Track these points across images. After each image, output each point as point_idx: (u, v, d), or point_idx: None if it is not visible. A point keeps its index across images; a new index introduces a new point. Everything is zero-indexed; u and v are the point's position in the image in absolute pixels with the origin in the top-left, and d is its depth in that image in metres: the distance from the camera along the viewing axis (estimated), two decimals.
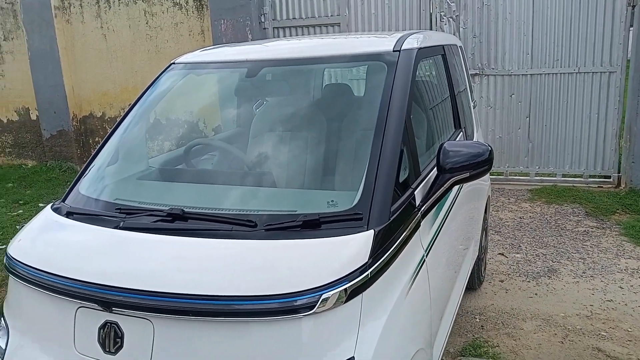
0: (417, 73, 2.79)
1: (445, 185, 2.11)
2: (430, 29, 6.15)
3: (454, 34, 6.04)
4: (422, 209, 2.07)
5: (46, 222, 2.06)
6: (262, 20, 6.83)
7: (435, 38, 2.95)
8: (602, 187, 5.78)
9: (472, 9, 5.95)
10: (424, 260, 2.03)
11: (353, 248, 1.65)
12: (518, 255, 4.27)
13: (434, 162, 2.38)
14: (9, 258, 1.90)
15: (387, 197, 1.82)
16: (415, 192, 2.04)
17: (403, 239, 1.86)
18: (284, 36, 6.96)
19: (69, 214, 2.03)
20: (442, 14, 6.08)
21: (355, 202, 1.80)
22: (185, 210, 1.85)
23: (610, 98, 5.62)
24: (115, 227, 1.86)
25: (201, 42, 7.01)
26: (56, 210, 2.10)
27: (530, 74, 5.88)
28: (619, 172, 5.73)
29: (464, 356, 2.94)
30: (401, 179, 1.97)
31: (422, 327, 1.98)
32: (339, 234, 1.69)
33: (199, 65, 2.74)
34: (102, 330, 1.64)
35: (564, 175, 5.99)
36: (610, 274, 3.86)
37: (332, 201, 1.88)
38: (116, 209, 1.96)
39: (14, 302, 1.94)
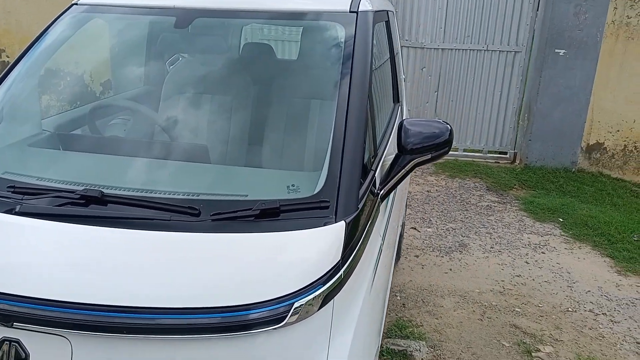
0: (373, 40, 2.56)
1: (407, 167, 1.93)
2: None
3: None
4: (381, 192, 1.87)
5: None
6: None
7: (380, 2, 2.72)
8: (498, 162, 6.07)
9: None
10: (381, 249, 1.85)
11: (324, 244, 1.41)
12: (429, 229, 4.32)
13: (385, 141, 2.20)
14: None
15: (355, 181, 1.59)
16: (375, 175, 1.83)
17: (368, 229, 1.66)
18: None
19: None
20: None
21: (320, 187, 1.55)
22: (105, 191, 1.47)
23: (514, 77, 5.86)
24: (7, 212, 1.43)
25: None
26: None
27: (442, 49, 5.92)
28: (514, 149, 6.05)
29: (390, 337, 2.87)
30: (365, 159, 1.75)
31: (380, 321, 1.82)
32: (303, 226, 1.44)
33: (108, 9, 2.26)
34: None
35: (465, 150, 6.21)
36: (515, 249, 4.04)
37: (293, 185, 1.60)
38: (8, 186, 1.52)
39: None
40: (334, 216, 1.47)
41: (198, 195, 1.54)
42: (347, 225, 1.46)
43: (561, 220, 4.56)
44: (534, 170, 5.66)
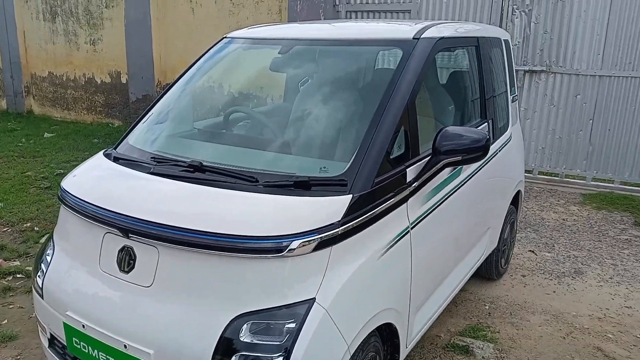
0: (442, 61, 2.95)
1: (437, 166, 2.30)
2: (501, 22, 6.11)
3: (524, 28, 5.98)
4: (414, 185, 2.27)
5: (96, 164, 2.47)
6: (337, 2, 7.06)
7: (467, 29, 3.07)
8: None
9: (546, 4, 5.83)
10: (408, 232, 2.24)
11: (330, 207, 1.91)
12: (548, 254, 4.28)
13: None
14: (61, 190, 2.33)
15: (373, 169, 2.05)
16: (407, 169, 2.24)
17: (384, 207, 2.09)
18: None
19: (115, 159, 2.44)
20: (514, 7, 6.01)
21: (344, 170, 2.05)
22: (204, 163, 2.18)
23: None
24: (147, 172, 2.23)
25: (277, 21, 7.39)
26: (107, 155, 2.51)
27: (599, 75, 5.70)
28: None
29: (461, 335, 3.09)
30: (394, 155, 2.18)
31: (397, 290, 2.20)
32: (323, 195, 1.96)
33: (247, 41, 3.06)
34: (120, 253, 2.02)
35: (622, 183, 5.79)
36: (638, 282, 3.80)
37: (324, 168, 2.14)
38: (151, 157, 2.34)
39: (61, 226, 2.38)
40: (348, 191, 1.96)
41: (263, 171, 2.16)
42: (355, 197, 1.93)
43: None
44: None
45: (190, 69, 3.03)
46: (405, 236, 2.22)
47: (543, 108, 6.04)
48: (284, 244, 1.78)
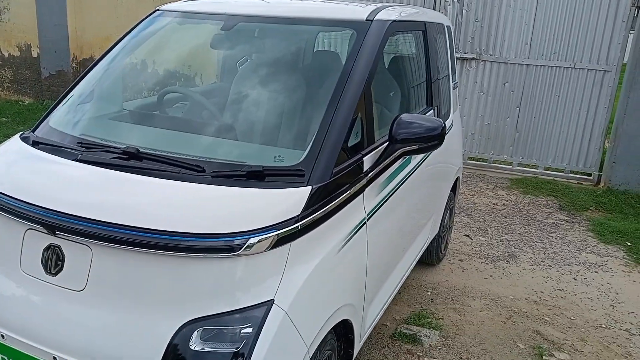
0: (391, 46, 2.85)
1: (393, 155, 2.21)
2: (434, 9, 6.14)
3: (456, 16, 6.04)
4: (370, 175, 2.16)
5: (12, 149, 2.16)
6: None
7: (417, 14, 2.99)
8: (581, 183, 5.86)
9: None
10: (364, 223, 2.14)
11: (288, 200, 1.75)
12: (483, 238, 4.39)
13: None
14: None
15: (331, 158, 1.91)
16: (364, 158, 2.13)
17: (342, 199, 1.96)
18: None
19: (34, 144, 2.13)
20: None
21: (301, 159, 1.90)
22: (141, 150, 1.95)
23: (602, 97, 5.66)
24: (74, 160, 1.96)
25: None
26: (24, 139, 2.20)
27: (527, 64, 5.90)
28: (600, 171, 5.81)
29: (407, 324, 3.08)
30: (351, 144, 2.06)
31: (354, 285, 2.09)
32: (279, 187, 1.80)
33: (182, 14, 2.80)
34: (45, 253, 1.76)
35: (546, 168, 6.07)
36: (567, 265, 3.98)
37: (279, 156, 1.98)
38: (78, 142, 2.06)
39: None
40: (306, 182, 1.82)
41: (209, 159, 1.96)
42: (314, 189, 1.79)
43: (628, 244, 4.37)
44: (616, 194, 5.41)
45: (119, 44, 2.73)
46: (362, 228, 2.12)
47: (473, 95, 6.18)
48: (238, 241, 1.61)
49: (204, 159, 1.94)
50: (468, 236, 4.42)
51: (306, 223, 1.76)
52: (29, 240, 1.80)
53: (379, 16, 2.41)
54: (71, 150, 2.02)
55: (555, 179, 5.95)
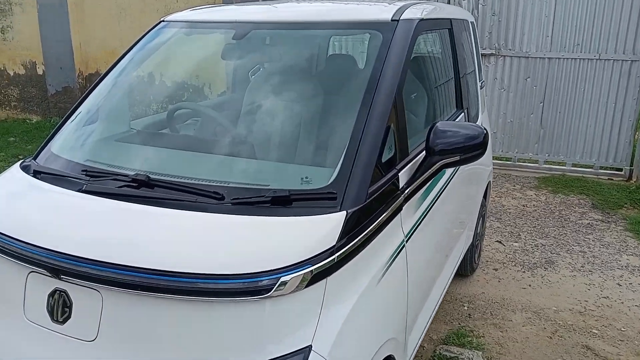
0: (417, 46, 2.62)
1: (433, 168, 1.99)
2: (449, 4, 5.90)
3: (472, 10, 5.80)
4: (406, 191, 1.94)
5: (10, 181, 1.97)
6: None
7: (442, 11, 2.77)
8: (612, 179, 5.58)
9: None
10: (404, 246, 1.92)
11: (321, 229, 1.54)
12: (516, 244, 4.14)
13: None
14: None
15: (366, 177, 1.69)
16: (399, 174, 1.91)
17: (380, 222, 1.74)
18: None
19: (36, 173, 1.94)
20: None
21: (331, 180, 1.68)
22: (151, 176, 1.74)
23: (630, 88, 5.38)
24: (77, 191, 1.76)
25: (211, 3, 6.81)
26: (24, 168, 2.01)
27: (548, 58, 5.64)
28: (631, 166, 5.52)
29: (446, 344, 2.85)
30: (384, 159, 1.84)
31: (395, 316, 1.87)
32: (309, 214, 1.58)
33: (188, 25, 2.61)
34: (51, 298, 1.56)
35: (574, 165, 5.80)
36: (609, 269, 3.72)
37: (306, 178, 1.76)
38: (82, 170, 1.87)
39: None
40: (339, 207, 1.60)
41: (228, 183, 1.76)
42: (349, 214, 1.57)
43: None
44: None
45: (123, 59, 2.53)
46: (402, 252, 1.90)
47: (494, 92, 5.93)
48: (268, 281, 1.39)
49: (221, 184, 1.73)
50: (500, 242, 4.17)
51: (343, 254, 1.54)
52: (32, 284, 1.60)
53: (405, 15, 2.19)
54: (75, 180, 1.82)
55: (585, 175, 5.67)
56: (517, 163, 5.99)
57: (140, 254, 1.47)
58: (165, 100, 2.72)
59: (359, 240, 1.61)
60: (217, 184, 1.73)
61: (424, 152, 1.99)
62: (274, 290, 1.39)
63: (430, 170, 1.98)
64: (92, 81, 7.60)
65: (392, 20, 2.15)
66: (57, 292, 1.55)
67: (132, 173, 1.78)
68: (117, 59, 2.51)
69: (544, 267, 3.76)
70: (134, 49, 2.56)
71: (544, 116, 5.79)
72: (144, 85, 2.69)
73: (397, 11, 2.21)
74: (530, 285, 3.52)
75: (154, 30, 2.63)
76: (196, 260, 1.44)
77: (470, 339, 2.91)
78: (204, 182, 1.75)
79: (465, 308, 3.25)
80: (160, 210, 1.63)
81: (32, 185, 1.89)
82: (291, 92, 2.21)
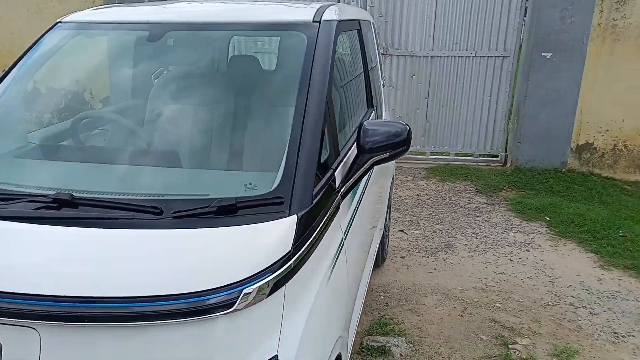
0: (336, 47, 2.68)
1: (365, 166, 2.05)
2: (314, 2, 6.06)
3: None
4: (342, 190, 1.99)
5: None
6: None
7: (351, 12, 2.86)
8: (490, 165, 6.16)
9: None
10: (343, 244, 1.97)
11: (275, 236, 1.52)
12: (417, 231, 4.42)
13: (351, 141, 2.31)
14: None
15: (310, 179, 1.71)
16: (335, 173, 1.95)
17: (324, 223, 1.77)
18: None
19: None
20: None
21: (276, 184, 1.67)
22: (75, 194, 1.60)
23: (503, 82, 5.97)
24: None
25: (90, 4, 6.32)
26: None
27: (431, 56, 6.05)
28: (505, 152, 6.14)
29: (370, 335, 2.96)
30: (322, 159, 1.87)
31: (341, 314, 1.92)
32: (258, 221, 1.55)
33: (91, 26, 2.42)
34: None
35: (456, 155, 6.30)
36: (500, 247, 4.12)
37: (250, 184, 1.73)
38: None
39: None
40: (287, 211, 1.59)
41: (162, 196, 1.67)
42: (300, 218, 1.58)
43: (548, 218, 4.64)
44: (524, 172, 5.74)
45: (17, 65, 2.29)
46: (342, 249, 1.95)
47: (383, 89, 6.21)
48: (229, 295, 1.35)
49: (155, 197, 1.64)
50: (403, 231, 4.42)
51: (298, 259, 1.54)
52: None
53: (325, 17, 2.23)
54: None
55: (466, 163, 6.19)
56: (407, 155, 6.32)
57: (80, 281, 1.35)
58: (66, 110, 2.49)
59: (310, 243, 1.62)
60: (151, 198, 1.64)
61: (353, 151, 2.05)
62: (238, 304, 1.36)
63: (363, 168, 2.05)
64: None
65: (313, 21, 2.18)
66: None
67: (48, 192, 1.62)
68: (10, 65, 2.25)
69: (444, 251, 4.06)
70: (28, 55, 2.32)
71: (429, 111, 6.21)
72: (40, 94, 2.45)
73: (317, 12, 2.24)
74: (435, 269, 3.78)
75: (50, 33, 2.40)
76: (150, 281, 1.36)
77: (392, 326, 3.05)
78: (135, 197, 1.64)
79: (382, 297, 3.40)
80: (93, 230, 1.50)
81: None
82: (215, 95, 2.14)
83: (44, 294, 1.32)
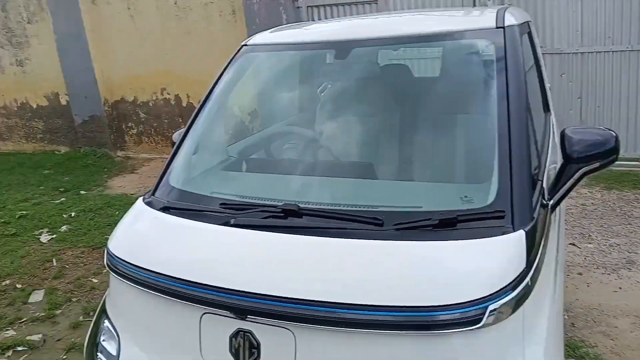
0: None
1: (574, 177, 1.90)
2: (473, 7, 5.87)
3: None
4: (551, 202, 1.86)
5: (143, 218, 1.88)
6: None
7: (521, 14, 2.71)
8: None
9: None
10: (557, 261, 1.84)
11: (507, 252, 1.45)
12: (590, 245, 4.06)
13: (546, 150, 2.19)
14: (111, 256, 1.74)
15: (527, 192, 1.62)
16: (543, 185, 1.84)
17: (544, 239, 1.66)
18: (319, 16, 6.70)
19: (165, 209, 1.86)
20: None
21: (492, 197, 1.60)
22: (300, 206, 1.67)
23: None
24: (224, 224, 1.68)
25: (233, 23, 6.76)
26: (149, 204, 1.93)
27: (581, 53, 5.59)
28: None
29: (565, 358, 2.75)
30: (533, 168, 1.77)
31: (560, 332, 1.79)
32: (480, 235, 1.49)
33: (276, 47, 2.53)
34: (234, 340, 1.48)
35: (620, 159, 5.71)
36: None
37: (466, 197, 1.68)
38: (220, 204, 1.78)
39: (121, 304, 1.79)
40: (511, 225, 1.51)
41: (378, 208, 1.68)
42: (527, 234, 1.49)
43: None
44: None
45: (215, 87, 2.45)
46: (558, 266, 1.82)
47: None
48: (478, 311, 1.31)
49: (374, 209, 1.66)
50: (574, 244, 4.08)
51: (533, 277, 1.46)
52: (209, 326, 1.53)
53: (506, 22, 2.12)
54: (215, 214, 1.74)
55: (632, 169, 5.58)
56: None
57: (334, 287, 1.39)
58: (257, 125, 2.64)
59: (538, 260, 1.53)
60: (371, 209, 1.66)
61: (556, 161, 1.92)
62: (485, 320, 1.31)
63: (572, 179, 1.90)
64: (119, 108, 7.54)
65: (497, 27, 2.09)
66: (241, 333, 1.47)
67: (276, 203, 1.71)
68: (209, 90, 2.41)
69: (627, 268, 3.66)
70: (224, 78, 2.47)
71: (583, 111, 5.73)
72: (233, 111, 2.62)
73: (497, 18, 2.14)
74: (620, 288, 3.41)
75: (239, 55, 2.55)
76: (402, 291, 1.36)
77: (585, 349, 2.80)
78: (354, 208, 1.67)
79: (566, 317, 3.13)
80: (321, 240, 1.55)
81: (172, 222, 1.80)
82: (420, 108, 2.14)
83: (303, 298, 1.39)
